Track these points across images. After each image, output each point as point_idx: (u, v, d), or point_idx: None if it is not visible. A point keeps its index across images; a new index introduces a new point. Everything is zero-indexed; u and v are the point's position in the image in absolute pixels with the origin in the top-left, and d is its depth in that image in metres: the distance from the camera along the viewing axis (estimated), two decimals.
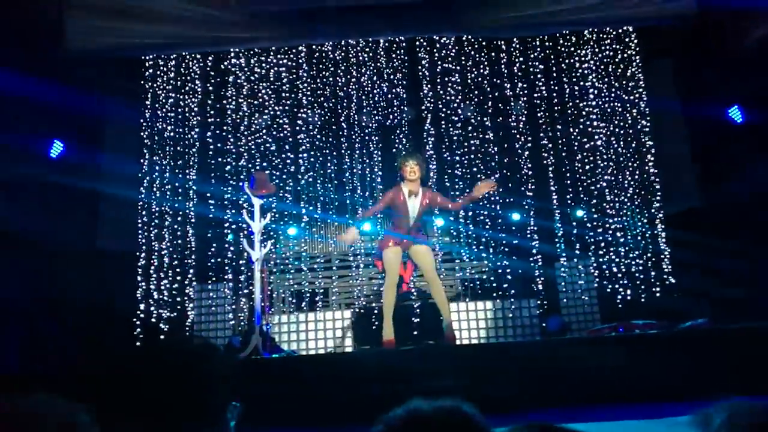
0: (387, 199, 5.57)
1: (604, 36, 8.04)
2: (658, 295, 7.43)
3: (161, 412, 0.98)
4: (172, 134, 8.03)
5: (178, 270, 7.73)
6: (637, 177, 7.90)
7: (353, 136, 8.33)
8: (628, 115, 8.00)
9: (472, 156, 8.28)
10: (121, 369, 1.08)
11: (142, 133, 7.87)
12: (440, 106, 8.33)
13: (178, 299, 7.65)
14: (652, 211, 7.73)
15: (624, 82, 7.99)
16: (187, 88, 8.11)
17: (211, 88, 8.16)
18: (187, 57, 8.01)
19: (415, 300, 7.16)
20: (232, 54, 8.09)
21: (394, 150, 8.36)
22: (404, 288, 6.06)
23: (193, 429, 1.02)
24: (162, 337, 7.12)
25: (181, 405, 1.02)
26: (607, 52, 8.06)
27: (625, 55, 7.98)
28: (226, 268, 7.92)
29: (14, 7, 6.12)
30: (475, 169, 8.26)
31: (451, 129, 8.33)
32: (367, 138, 8.34)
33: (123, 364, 1.10)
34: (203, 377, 1.08)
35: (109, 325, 6.55)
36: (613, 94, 8.03)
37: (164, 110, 8.01)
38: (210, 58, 8.05)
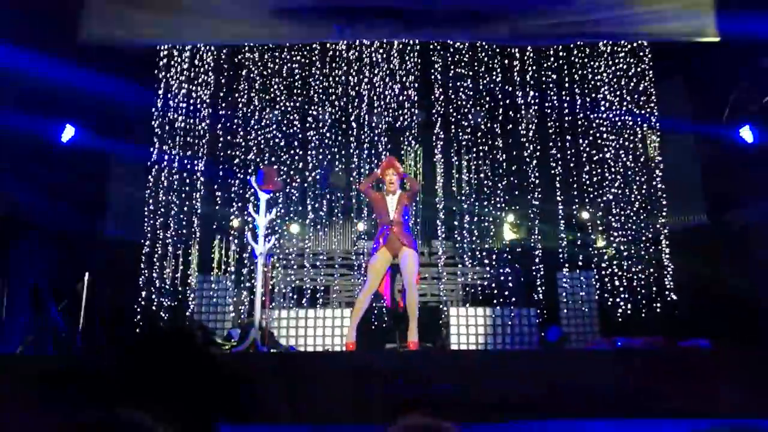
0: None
1: (619, 49, 8.02)
2: (659, 311, 7.40)
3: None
4: (182, 125, 8.07)
5: (181, 260, 7.77)
6: (644, 191, 7.88)
7: (362, 136, 8.34)
8: (638, 129, 7.98)
9: (480, 162, 8.28)
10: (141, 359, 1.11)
11: (153, 122, 7.91)
12: (451, 110, 8.33)
13: (180, 289, 7.69)
14: (657, 226, 7.71)
15: (636, 96, 7.97)
16: (200, 80, 8.14)
17: (223, 80, 8.19)
18: (202, 48, 8.04)
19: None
20: (246, 48, 8.11)
21: (402, 152, 8.36)
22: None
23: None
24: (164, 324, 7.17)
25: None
26: (621, 66, 8.04)
27: (638, 69, 7.96)
28: (229, 260, 7.95)
29: None
30: (482, 175, 8.26)
31: (461, 134, 8.33)
32: (376, 138, 8.35)
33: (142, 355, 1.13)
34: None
35: (113, 313, 6.58)
36: (624, 108, 8.01)
37: (176, 100, 8.04)
38: (224, 51, 8.08)
